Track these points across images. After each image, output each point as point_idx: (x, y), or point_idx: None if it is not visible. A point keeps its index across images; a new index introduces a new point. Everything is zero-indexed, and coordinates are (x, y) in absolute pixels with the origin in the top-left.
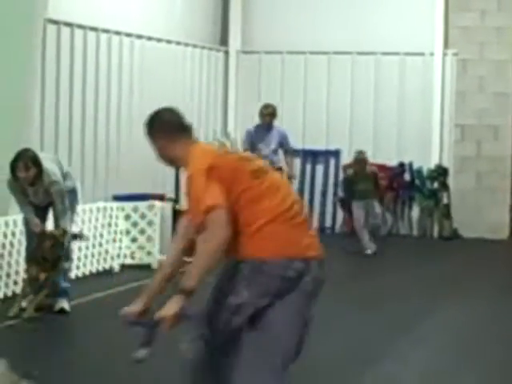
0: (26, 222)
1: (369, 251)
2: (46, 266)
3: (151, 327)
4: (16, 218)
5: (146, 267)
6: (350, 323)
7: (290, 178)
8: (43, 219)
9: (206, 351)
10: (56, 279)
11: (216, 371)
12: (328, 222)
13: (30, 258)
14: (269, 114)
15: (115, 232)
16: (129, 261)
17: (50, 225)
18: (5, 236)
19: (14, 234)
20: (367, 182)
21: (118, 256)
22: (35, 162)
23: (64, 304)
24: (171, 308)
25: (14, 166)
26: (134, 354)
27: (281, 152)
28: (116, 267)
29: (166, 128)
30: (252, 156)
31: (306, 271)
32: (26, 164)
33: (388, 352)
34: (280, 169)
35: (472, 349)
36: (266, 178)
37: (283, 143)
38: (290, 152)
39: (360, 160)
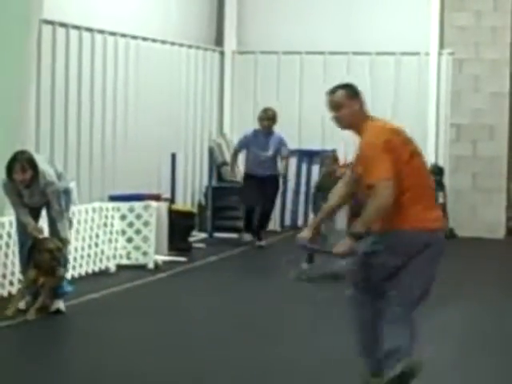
0: (19, 224)
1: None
2: (44, 270)
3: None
4: (12, 219)
5: (142, 267)
6: (347, 325)
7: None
8: (36, 220)
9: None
10: (55, 285)
11: (372, 307)
12: None
13: (28, 262)
14: (268, 118)
15: (111, 232)
16: (125, 261)
17: (41, 223)
18: (0, 237)
19: (9, 235)
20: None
21: (114, 256)
22: (31, 163)
23: (60, 305)
24: (343, 246)
25: (10, 168)
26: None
27: (279, 158)
28: (112, 267)
29: (362, 98)
30: (408, 139)
31: (431, 240)
32: (23, 166)
33: None
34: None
35: (470, 347)
36: (415, 161)
37: (279, 149)
38: (284, 157)
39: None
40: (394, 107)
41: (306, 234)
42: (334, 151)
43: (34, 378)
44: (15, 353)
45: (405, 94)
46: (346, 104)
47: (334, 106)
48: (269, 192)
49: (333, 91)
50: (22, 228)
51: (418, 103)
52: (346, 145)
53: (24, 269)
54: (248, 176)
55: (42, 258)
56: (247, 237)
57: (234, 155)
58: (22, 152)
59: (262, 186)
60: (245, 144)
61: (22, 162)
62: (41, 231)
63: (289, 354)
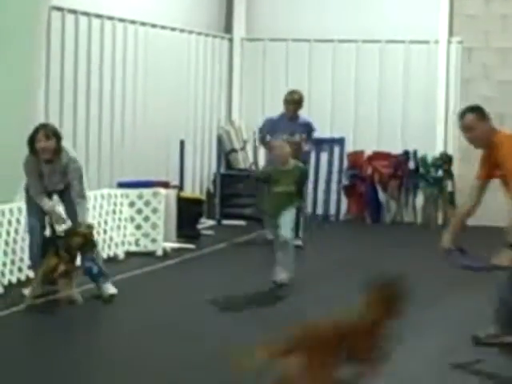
0: (31, 209)
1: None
2: (66, 258)
3: (481, 269)
4: (21, 205)
5: (151, 254)
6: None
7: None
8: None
9: None
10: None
11: None
12: (332, 210)
13: (43, 249)
14: (293, 101)
15: (119, 219)
16: (133, 248)
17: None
18: (9, 223)
19: (18, 221)
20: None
21: (123, 243)
22: (55, 133)
23: (110, 289)
24: (504, 259)
25: (33, 138)
26: None
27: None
28: (121, 254)
29: (489, 117)
30: None
31: None
32: (47, 134)
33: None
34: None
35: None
36: None
37: (308, 134)
38: (310, 142)
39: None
40: (403, 95)
41: (446, 242)
42: (284, 138)
43: (34, 366)
44: (29, 338)
45: (414, 82)
46: (476, 126)
47: (466, 128)
48: None
49: (462, 115)
50: (33, 213)
51: (427, 91)
52: (354, 133)
53: (33, 255)
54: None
55: (72, 243)
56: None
57: (263, 142)
58: (44, 124)
59: None
60: (271, 128)
61: (46, 131)
62: (64, 221)
63: None
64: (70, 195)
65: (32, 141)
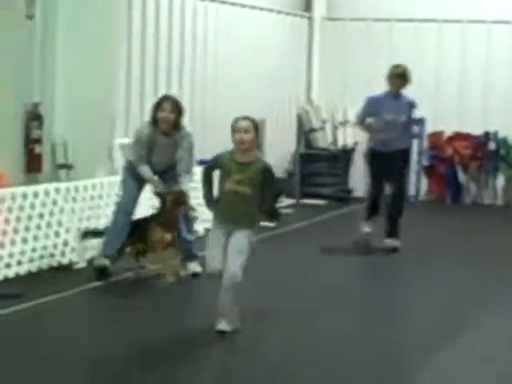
0: (126, 185)
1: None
2: (168, 226)
3: None
4: (103, 180)
5: None
6: (436, 290)
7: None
8: (143, 187)
9: None
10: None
11: None
12: (412, 191)
13: (150, 222)
14: (398, 75)
15: (199, 196)
16: None
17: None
18: (92, 199)
19: (100, 197)
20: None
21: (203, 220)
22: (179, 107)
23: (196, 268)
24: None
25: (157, 107)
26: None
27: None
28: (200, 231)
29: None
30: None
31: None
32: (172, 106)
33: (476, 318)
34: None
35: None
36: None
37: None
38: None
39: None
40: (484, 76)
41: None
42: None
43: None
44: (112, 317)
45: (495, 62)
46: None
47: None
48: (395, 169)
49: None
50: (129, 188)
51: (509, 72)
52: (434, 113)
53: (116, 229)
54: (373, 152)
55: (174, 212)
56: (367, 228)
57: (361, 123)
58: (168, 95)
59: (388, 162)
60: (373, 108)
61: (171, 102)
62: (163, 186)
63: (364, 323)
64: (175, 171)
65: (157, 108)
